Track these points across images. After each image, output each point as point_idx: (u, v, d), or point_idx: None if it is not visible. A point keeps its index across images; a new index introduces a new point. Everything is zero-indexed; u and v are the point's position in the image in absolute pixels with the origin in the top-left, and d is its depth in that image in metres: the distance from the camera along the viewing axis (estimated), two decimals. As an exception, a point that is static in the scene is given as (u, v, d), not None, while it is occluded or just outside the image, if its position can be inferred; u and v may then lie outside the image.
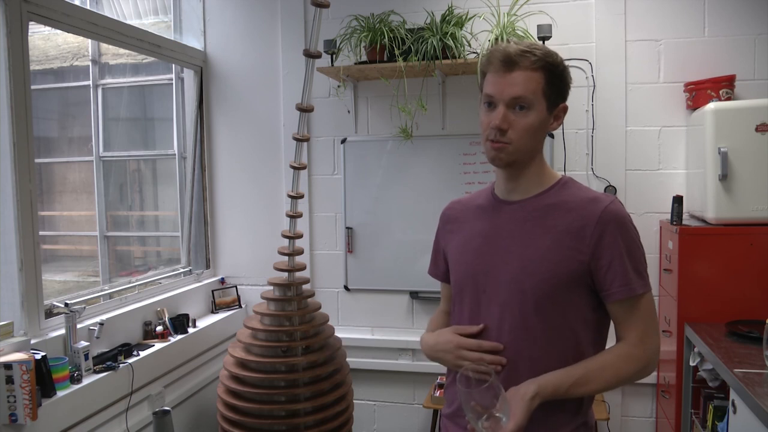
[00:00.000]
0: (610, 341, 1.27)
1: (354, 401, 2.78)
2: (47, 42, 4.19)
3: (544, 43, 2.61)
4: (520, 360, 1.21)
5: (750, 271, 2.40)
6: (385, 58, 2.90)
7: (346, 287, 3.31)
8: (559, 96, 1.24)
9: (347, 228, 3.27)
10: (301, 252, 2.59)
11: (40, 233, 2.29)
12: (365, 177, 3.23)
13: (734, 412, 1.82)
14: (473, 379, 1.11)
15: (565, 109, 1.26)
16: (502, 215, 1.29)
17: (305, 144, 2.74)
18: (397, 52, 2.80)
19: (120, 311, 2.67)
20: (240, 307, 3.41)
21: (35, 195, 2.24)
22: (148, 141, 4.15)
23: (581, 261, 1.19)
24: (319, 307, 2.68)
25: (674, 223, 2.62)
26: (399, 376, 3.27)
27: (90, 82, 3.66)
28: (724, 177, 2.42)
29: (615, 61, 2.90)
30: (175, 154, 3.48)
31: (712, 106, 2.49)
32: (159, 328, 2.81)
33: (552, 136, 2.96)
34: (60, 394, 2.13)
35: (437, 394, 2.93)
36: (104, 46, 3.71)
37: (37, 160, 2.30)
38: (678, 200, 2.65)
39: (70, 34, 3.07)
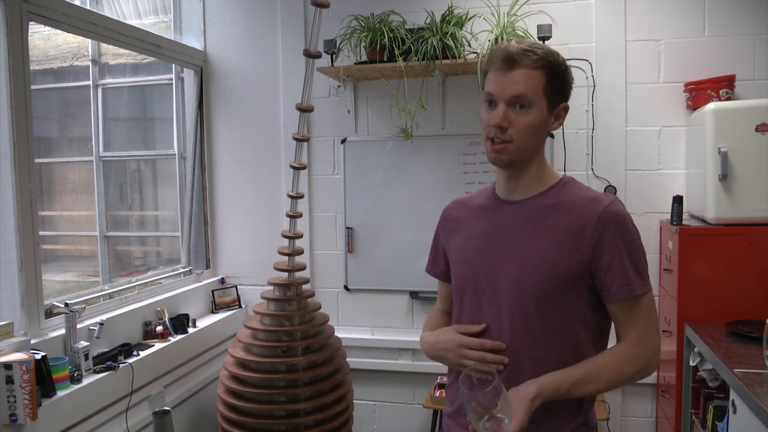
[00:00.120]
0: (612, 341, 1.27)
1: (354, 401, 2.78)
2: (47, 42, 4.19)
3: (544, 42, 2.61)
4: (520, 360, 1.21)
5: (750, 271, 2.39)
6: (385, 58, 2.90)
7: (346, 287, 3.31)
8: (560, 95, 1.24)
9: (347, 228, 3.27)
10: (301, 252, 2.59)
11: (40, 233, 2.29)
12: (365, 177, 3.23)
13: (734, 412, 1.82)
14: (476, 380, 1.11)
15: (566, 109, 1.26)
16: (503, 215, 1.29)
17: (305, 144, 2.74)
18: (397, 52, 2.80)
19: (120, 311, 2.67)
20: (240, 307, 3.41)
21: (35, 195, 2.24)
22: (148, 141, 4.16)
23: (581, 261, 1.19)
24: (319, 307, 2.68)
25: (674, 223, 2.62)
26: (399, 376, 3.27)
27: (90, 82, 3.66)
28: (724, 177, 2.42)
29: (615, 61, 2.90)
30: (175, 154, 3.48)
31: (712, 106, 2.49)
32: (159, 328, 2.81)
33: (552, 136, 2.96)
34: (60, 394, 2.13)
35: (437, 394, 2.93)
36: (104, 46, 3.71)
37: (37, 160, 2.30)
38: (678, 200, 2.65)
39: (70, 34, 3.07)
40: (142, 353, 2.60)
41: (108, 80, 3.77)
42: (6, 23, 2.13)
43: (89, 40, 3.61)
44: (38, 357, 2.05)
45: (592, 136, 2.95)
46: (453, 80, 3.09)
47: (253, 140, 3.39)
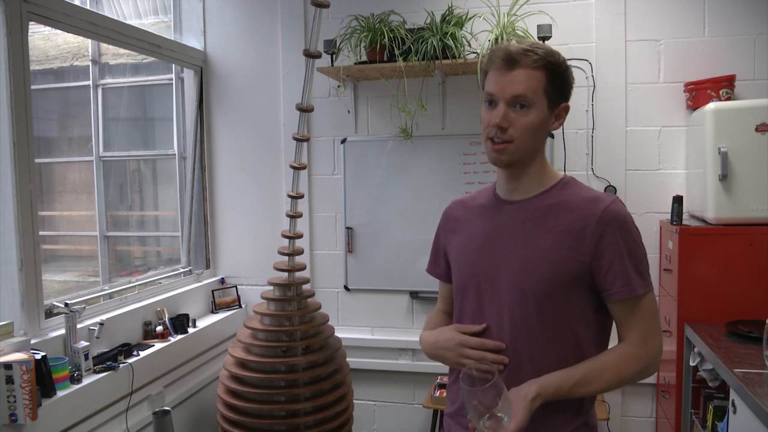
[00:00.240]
0: (613, 341, 1.27)
1: (354, 401, 2.78)
2: (47, 42, 4.19)
3: (544, 42, 2.61)
4: (520, 360, 1.21)
5: (750, 271, 2.39)
6: (385, 58, 2.90)
7: (346, 287, 3.31)
8: (560, 95, 1.23)
9: (347, 228, 3.27)
10: (301, 252, 2.59)
11: (40, 233, 2.29)
12: (365, 177, 3.23)
13: (734, 412, 1.82)
14: (476, 378, 1.11)
15: (566, 109, 1.26)
16: (503, 215, 1.29)
17: (305, 144, 2.74)
18: (397, 52, 2.80)
19: (120, 311, 2.67)
20: (240, 307, 3.41)
21: (35, 195, 2.23)
22: (148, 141, 4.16)
23: (581, 261, 1.19)
24: (319, 307, 2.68)
25: (674, 223, 2.62)
26: (399, 376, 3.27)
27: (90, 82, 3.66)
28: (724, 177, 2.42)
29: (615, 61, 2.90)
30: (175, 154, 3.48)
31: (712, 106, 2.49)
32: (159, 328, 2.81)
33: (552, 136, 2.96)
34: (60, 394, 2.13)
35: (437, 394, 2.93)
36: (104, 46, 3.71)
37: (37, 160, 2.30)
38: (678, 200, 2.65)
39: (70, 34, 3.07)
40: (142, 353, 2.60)
41: (108, 80, 3.77)
42: (6, 23, 2.13)
43: (89, 40, 3.61)
44: (38, 357, 2.05)
45: (592, 136, 2.95)
46: (453, 80, 3.09)
47: (253, 140, 3.39)
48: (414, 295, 3.20)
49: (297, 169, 2.54)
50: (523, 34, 2.71)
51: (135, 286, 2.94)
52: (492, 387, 1.07)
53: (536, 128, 1.21)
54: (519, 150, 1.21)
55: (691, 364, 2.36)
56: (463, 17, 2.86)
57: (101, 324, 2.46)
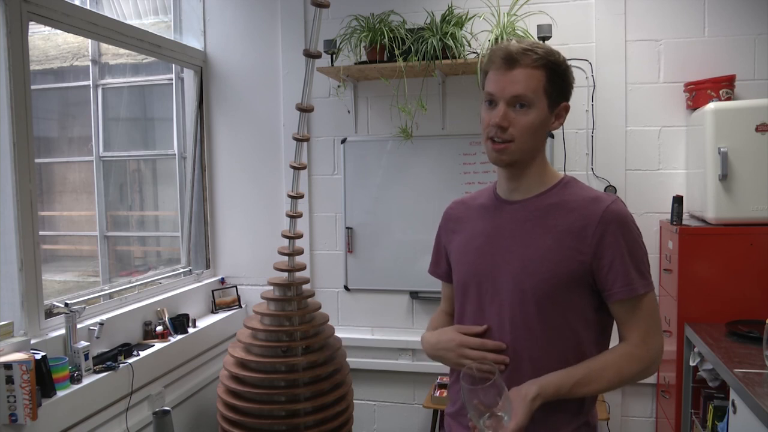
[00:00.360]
0: (614, 341, 1.27)
1: (354, 401, 2.78)
2: (47, 42, 4.19)
3: (544, 42, 2.61)
4: (521, 359, 1.21)
5: (750, 271, 2.39)
6: (385, 58, 2.90)
7: (346, 287, 3.31)
8: (560, 95, 1.23)
9: (347, 228, 3.27)
10: (301, 252, 2.59)
11: (40, 233, 2.29)
12: (365, 177, 3.23)
13: (734, 412, 1.82)
14: (477, 377, 1.11)
15: (567, 108, 1.26)
16: (504, 215, 1.29)
17: (305, 144, 2.74)
18: (397, 52, 2.80)
19: (120, 311, 2.67)
20: (240, 307, 3.41)
21: (35, 195, 2.23)
22: (148, 141, 4.16)
23: (582, 261, 1.19)
24: (319, 307, 2.68)
25: (674, 223, 2.62)
26: (399, 376, 3.27)
27: (90, 82, 3.66)
28: (724, 177, 2.42)
29: (615, 61, 2.90)
30: (175, 154, 3.48)
31: (712, 106, 2.49)
32: (159, 328, 2.81)
33: (552, 136, 2.96)
34: (60, 394, 2.13)
35: (437, 394, 2.93)
36: (104, 46, 3.71)
37: (37, 160, 2.30)
38: (678, 200, 2.65)
39: (70, 34, 3.07)
40: (142, 353, 2.60)
41: (108, 80, 3.77)
42: (6, 23, 2.13)
43: (89, 40, 3.61)
44: (38, 357, 2.05)
45: (592, 136, 2.95)
46: (453, 80, 3.09)
47: (253, 140, 3.39)
48: (414, 295, 3.20)
49: (297, 169, 2.54)
50: (523, 34, 2.71)
51: (135, 286, 2.94)
52: (492, 386, 1.07)
53: (536, 128, 1.21)
54: (519, 149, 1.21)
55: (691, 364, 2.36)
56: (463, 17, 2.86)
57: (101, 324, 2.46)
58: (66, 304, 2.38)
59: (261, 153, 3.38)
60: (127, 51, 3.35)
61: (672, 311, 2.56)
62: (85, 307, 2.46)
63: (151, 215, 4.23)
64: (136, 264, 4.09)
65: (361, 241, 3.26)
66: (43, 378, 2.06)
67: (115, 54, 3.83)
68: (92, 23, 2.59)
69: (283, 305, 2.55)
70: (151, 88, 3.94)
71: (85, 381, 2.26)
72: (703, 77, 2.75)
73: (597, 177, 2.95)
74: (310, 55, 2.38)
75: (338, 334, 2.79)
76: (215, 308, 3.33)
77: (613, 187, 2.91)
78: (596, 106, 2.93)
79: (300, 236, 2.59)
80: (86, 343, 2.31)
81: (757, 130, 2.41)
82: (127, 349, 2.57)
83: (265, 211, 3.38)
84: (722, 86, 2.66)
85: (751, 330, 2.16)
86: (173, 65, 3.42)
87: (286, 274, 2.58)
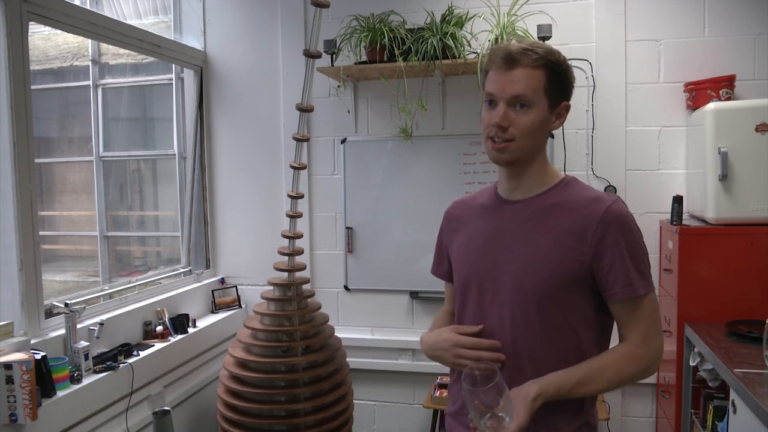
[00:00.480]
0: (614, 341, 1.27)
1: (354, 401, 2.78)
2: (47, 42, 4.19)
3: (544, 42, 2.61)
4: (521, 359, 1.21)
5: (750, 271, 2.39)
6: (385, 58, 2.90)
7: (346, 287, 3.31)
8: (561, 94, 1.23)
9: (347, 228, 3.27)
10: (301, 252, 2.59)
11: (40, 233, 2.29)
12: (365, 177, 3.23)
13: (734, 412, 1.82)
14: (478, 377, 1.11)
15: (567, 108, 1.26)
16: (505, 214, 1.29)
17: (305, 144, 2.74)
18: (397, 52, 2.80)
19: (120, 311, 2.67)
20: (240, 307, 3.41)
21: (35, 195, 2.23)
22: (148, 141, 4.15)
23: (582, 261, 1.19)
24: (319, 307, 2.68)
25: (674, 223, 2.62)
26: (399, 376, 3.27)
27: (90, 82, 3.66)
28: (724, 177, 2.42)
29: (615, 61, 2.90)
30: (175, 154, 3.48)
31: (712, 106, 2.49)
32: (159, 328, 2.81)
33: (552, 136, 2.96)
34: (60, 394, 2.13)
35: (437, 394, 2.93)
36: (104, 46, 3.71)
37: (37, 160, 2.30)
38: (678, 200, 2.65)
39: (70, 34, 3.07)
40: (142, 353, 2.60)
41: (108, 80, 3.77)
42: (6, 23, 2.13)
43: (89, 40, 3.61)
44: (38, 357, 2.05)
45: (592, 136, 2.95)
46: (453, 80, 3.09)
47: (253, 140, 3.39)
48: (414, 295, 3.20)
49: (297, 169, 2.54)
50: (523, 34, 2.71)
51: (135, 286, 2.94)
52: (493, 387, 1.07)
53: (537, 127, 1.21)
54: (520, 149, 1.21)
55: (691, 364, 2.36)
56: (463, 17, 2.86)
57: (101, 324, 2.46)
58: (66, 304, 2.38)
59: (261, 153, 3.38)
60: (127, 51, 3.35)
61: (672, 311, 2.56)
62: (85, 307, 2.46)
63: (151, 215, 4.23)
64: (136, 264, 4.09)
65: (361, 241, 3.26)
66: (43, 378, 2.06)
67: (115, 54, 3.83)
68: (92, 23, 2.59)
69: (283, 305, 2.55)
70: (151, 88, 3.94)
71: (85, 381, 2.26)
72: (703, 77, 2.75)
73: (597, 177, 2.95)
74: (310, 55, 2.38)
75: (338, 334, 2.79)
76: (215, 308, 3.33)
77: (613, 187, 2.91)
78: (596, 106, 2.93)
79: (300, 236, 2.59)
80: (86, 343, 2.31)
81: (757, 130, 2.41)
82: (127, 349, 2.57)
83: (265, 211, 3.38)
84: (722, 86, 2.66)
85: (751, 330, 2.16)
86: (173, 65, 3.42)
87: (286, 274, 2.58)
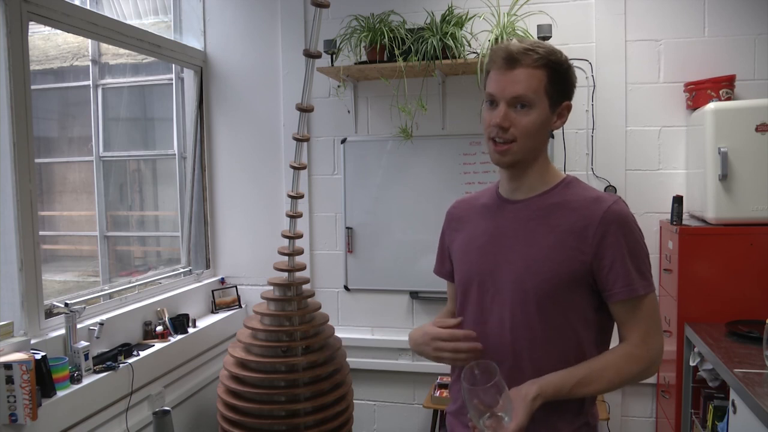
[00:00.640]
0: (614, 341, 1.27)
1: (354, 401, 2.78)
2: (47, 42, 4.19)
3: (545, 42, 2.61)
4: (521, 359, 1.21)
5: (750, 271, 2.39)
6: (385, 58, 2.90)
7: (346, 287, 3.31)
8: (562, 94, 1.23)
9: (347, 228, 3.27)
10: (301, 252, 2.59)
11: (40, 233, 2.29)
12: (365, 177, 3.23)
13: (734, 412, 1.82)
14: (478, 375, 1.11)
15: (569, 108, 1.26)
16: (506, 214, 1.29)
17: (305, 144, 2.74)
18: (397, 52, 2.80)
19: (120, 311, 2.67)
20: (240, 307, 3.41)
21: (35, 195, 2.23)
22: (148, 141, 4.15)
23: (583, 261, 1.19)
24: (319, 307, 2.68)
25: (674, 223, 2.62)
26: (399, 376, 3.27)
27: (90, 82, 3.66)
28: (724, 177, 2.42)
29: (615, 61, 2.90)
30: (175, 154, 3.48)
31: (712, 106, 2.49)
32: (159, 328, 2.81)
33: (552, 136, 2.96)
34: (60, 394, 2.13)
35: (437, 394, 2.93)
36: (104, 46, 3.71)
37: (37, 160, 2.30)
38: (678, 200, 2.65)
39: (70, 34, 3.07)
40: (142, 353, 2.60)
41: (108, 80, 3.77)
42: (6, 23, 2.13)
43: (89, 40, 3.60)
44: (38, 357, 2.05)
45: (592, 136, 2.95)
46: (453, 80, 3.09)
47: (253, 140, 3.39)
48: (414, 295, 3.20)
49: (297, 169, 2.54)
50: (523, 34, 2.71)
51: (135, 286, 2.94)
52: (493, 386, 1.07)
53: (537, 128, 1.21)
54: (521, 150, 1.21)
55: (691, 364, 2.36)
56: (463, 17, 2.86)
57: (101, 324, 2.46)
58: (66, 304, 2.38)
59: (261, 153, 3.38)
60: (127, 51, 3.35)
61: (672, 311, 2.56)
62: (85, 307, 2.46)
63: (151, 215, 4.22)
64: (136, 264, 4.09)
65: (361, 241, 3.26)
66: (43, 378, 2.06)
67: (115, 54, 3.83)
68: (92, 23, 2.59)
69: (283, 305, 2.55)
70: (151, 88, 3.94)
71: (85, 381, 2.26)
72: (703, 77, 2.75)
73: (597, 177, 2.95)
74: (310, 55, 2.38)
75: (338, 334, 2.79)
76: (215, 308, 3.33)
77: (613, 187, 2.91)
78: (596, 106, 2.93)
79: (300, 236, 2.59)
80: (86, 343, 2.31)
81: (757, 130, 2.41)
82: (127, 349, 2.57)
83: (265, 211, 3.38)
84: (722, 86, 2.66)
85: (751, 330, 2.16)
86: (173, 65, 3.42)
87: (286, 274, 2.58)
